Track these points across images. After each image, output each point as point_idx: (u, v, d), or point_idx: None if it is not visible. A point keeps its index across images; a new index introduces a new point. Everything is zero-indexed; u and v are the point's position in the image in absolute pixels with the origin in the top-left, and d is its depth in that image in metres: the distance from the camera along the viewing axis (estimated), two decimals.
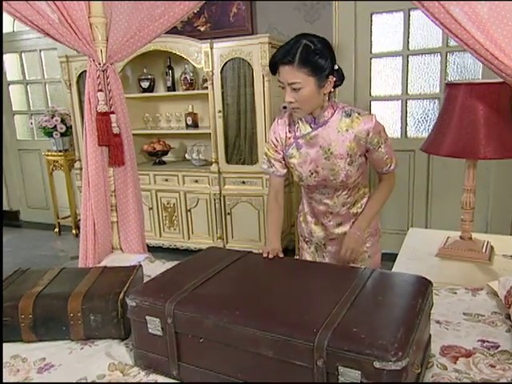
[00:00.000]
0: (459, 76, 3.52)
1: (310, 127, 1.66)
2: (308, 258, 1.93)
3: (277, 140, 1.72)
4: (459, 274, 1.87)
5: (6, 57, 5.22)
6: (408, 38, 3.58)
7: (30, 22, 1.78)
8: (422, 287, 1.21)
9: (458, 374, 1.18)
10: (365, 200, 1.85)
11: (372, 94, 3.78)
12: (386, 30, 3.66)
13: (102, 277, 1.63)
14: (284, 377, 1.05)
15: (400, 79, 3.67)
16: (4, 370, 1.34)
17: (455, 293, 1.65)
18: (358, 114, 1.62)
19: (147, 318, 1.24)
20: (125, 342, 1.45)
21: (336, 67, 1.56)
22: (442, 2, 1.56)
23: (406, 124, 3.73)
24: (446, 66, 3.53)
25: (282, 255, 1.56)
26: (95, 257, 2.14)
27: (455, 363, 1.23)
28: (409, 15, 3.51)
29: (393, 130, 3.79)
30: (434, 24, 1.65)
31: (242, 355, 1.10)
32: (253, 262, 1.48)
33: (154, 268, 1.96)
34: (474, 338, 1.34)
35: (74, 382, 1.22)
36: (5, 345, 1.46)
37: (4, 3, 1.75)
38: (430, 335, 1.27)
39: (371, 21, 3.66)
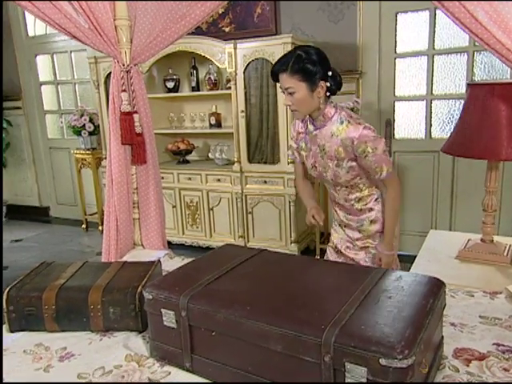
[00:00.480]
0: (486, 76, 3.45)
1: (313, 127, 1.84)
2: (333, 234, 2.08)
3: (294, 131, 1.97)
4: (478, 277, 1.85)
5: (38, 58, 5.41)
6: (433, 37, 3.53)
7: (57, 25, 1.86)
8: (435, 288, 1.21)
9: (470, 376, 1.18)
10: (372, 199, 1.90)
11: (396, 95, 3.74)
12: (410, 29, 3.62)
13: (121, 271, 1.68)
14: (292, 371, 1.07)
15: (425, 79, 3.62)
16: (28, 356, 1.40)
17: (472, 295, 1.63)
18: (349, 122, 1.74)
19: (162, 310, 1.28)
20: (142, 335, 1.49)
21: (330, 73, 1.72)
22: (462, 2, 1.54)
23: (431, 125, 3.68)
24: (473, 66, 3.46)
25: (323, 215, 1.93)
26: (117, 252, 2.21)
27: (468, 366, 1.22)
28: (434, 14, 3.46)
29: (417, 131, 3.74)
30: (455, 24, 1.63)
31: (252, 349, 1.13)
32: (267, 260, 1.50)
33: (174, 264, 2.01)
34: (489, 341, 1.33)
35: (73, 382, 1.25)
36: (29, 333, 1.53)
37: (35, 8, 1.82)
38: (443, 337, 1.27)
39: (396, 20, 3.62)
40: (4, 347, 1.45)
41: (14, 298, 1.52)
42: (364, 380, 0.97)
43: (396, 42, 3.66)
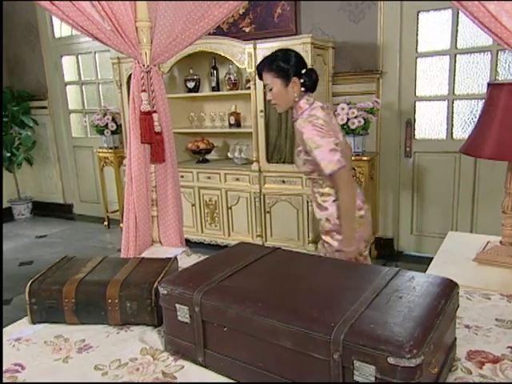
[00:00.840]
0: (511, 75, 3.38)
1: (292, 119, 2.07)
2: None
3: None
4: (496, 280, 1.82)
5: (64, 59, 5.55)
6: (456, 36, 3.48)
7: (80, 27, 1.91)
8: (447, 289, 1.20)
9: (482, 379, 1.17)
10: (330, 199, 2.00)
11: (417, 94, 3.70)
12: (432, 28, 3.57)
13: (139, 267, 1.73)
14: (302, 368, 1.09)
15: (447, 79, 3.57)
16: (48, 347, 1.45)
17: (489, 298, 1.61)
18: (305, 119, 1.90)
19: (177, 305, 1.31)
20: (157, 329, 1.53)
21: (303, 71, 1.93)
22: (481, 2, 1.53)
23: (452, 125, 3.63)
24: (497, 65, 3.40)
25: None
26: (136, 249, 2.25)
27: (481, 368, 1.21)
28: (457, 12, 3.40)
29: (438, 131, 3.70)
30: (474, 23, 1.62)
31: (262, 345, 1.14)
32: (281, 258, 1.51)
33: (190, 261, 2.04)
34: (505, 344, 1.31)
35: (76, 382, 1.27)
36: (49, 325, 1.59)
37: (59, 11, 1.88)
38: (455, 338, 1.26)
39: (417, 19, 3.58)
40: (26, 338, 1.51)
41: (35, 291, 1.58)
42: (372, 378, 0.97)
43: (417, 41, 3.62)
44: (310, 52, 3.39)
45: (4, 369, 1.33)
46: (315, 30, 3.90)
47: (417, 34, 3.62)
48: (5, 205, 5.85)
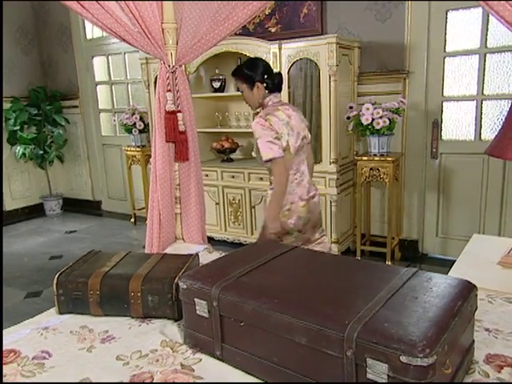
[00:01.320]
0: None
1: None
2: None
3: None
4: None
5: (95, 59, 5.69)
6: (486, 35, 3.40)
7: (109, 29, 1.98)
8: (465, 290, 1.19)
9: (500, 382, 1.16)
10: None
11: (444, 95, 3.63)
12: (461, 27, 3.50)
13: (161, 262, 1.77)
14: (316, 364, 1.10)
15: (475, 78, 3.49)
16: (73, 337, 1.52)
17: (511, 302, 1.58)
18: (260, 115, 2.22)
19: (196, 300, 1.34)
20: (178, 323, 1.57)
21: (265, 76, 2.25)
22: (508, 1, 1.50)
23: (481, 126, 3.55)
24: None
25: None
26: (159, 245, 2.31)
27: (499, 372, 1.20)
28: None
29: (465, 132, 3.63)
30: (500, 22, 1.59)
31: (278, 340, 1.17)
32: (299, 256, 1.53)
33: (211, 258, 2.07)
34: None
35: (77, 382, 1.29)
36: (75, 316, 1.65)
37: (89, 14, 1.95)
38: (473, 341, 1.25)
39: (446, 18, 3.52)
40: (53, 327, 1.58)
41: (63, 283, 1.65)
42: (385, 376, 0.98)
43: (446, 40, 3.56)
44: (334, 52, 3.38)
45: (32, 355, 1.40)
46: (341, 30, 3.88)
47: (445, 33, 3.55)
48: (37, 201, 6.06)
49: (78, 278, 1.66)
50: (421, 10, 3.55)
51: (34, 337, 1.52)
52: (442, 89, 3.63)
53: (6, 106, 5.54)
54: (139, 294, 1.60)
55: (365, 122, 3.40)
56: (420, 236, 3.93)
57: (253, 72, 2.25)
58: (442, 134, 3.71)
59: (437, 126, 3.66)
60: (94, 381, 1.26)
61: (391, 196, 3.59)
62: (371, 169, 3.53)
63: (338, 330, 1.04)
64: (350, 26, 3.87)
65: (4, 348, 1.45)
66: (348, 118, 3.61)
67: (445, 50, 3.57)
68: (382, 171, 3.49)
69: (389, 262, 3.60)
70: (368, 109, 3.40)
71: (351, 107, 3.62)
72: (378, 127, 3.39)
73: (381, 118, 3.38)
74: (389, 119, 3.39)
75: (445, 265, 2.08)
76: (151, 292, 1.59)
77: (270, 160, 2.18)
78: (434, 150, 3.70)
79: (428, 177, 3.81)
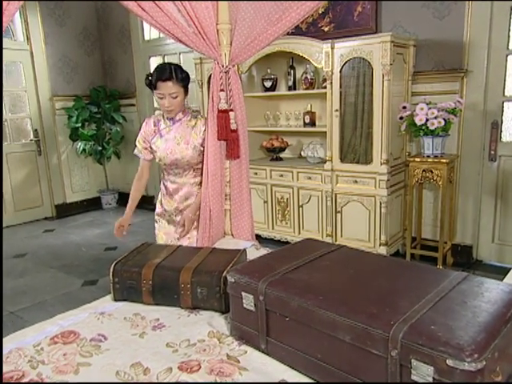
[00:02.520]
0: None
1: (170, 122, 2.37)
2: (162, 232, 2.58)
3: (146, 133, 2.42)
4: None
5: (152, 59, 5.91)
6: None
7: (167, 30, 2.06)
8: None
9: None
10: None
11: (506, 94, 3.47)
12: None
13: (210, 256, 1.83)
14: (359, 362, 1.11)
15: None
16: (127, 323, 1.60)
17: None
18: (201, 116, 2.39)
19: (243, 293, 1.38)
20: (225, 316, 1.61)
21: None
22: None
23: None
24: None
25: (127, 224, 2.58)
26: (209, 240, 2.37)
27: None
28: None
29: None
30: None
31: (322, 337, 1.18)
32: (346, 255, 1.53)
33: (259, 255, 2.10)
34: None
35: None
36: (129, 304, 1.74)
37: (149, 17, 2.04)
38: None
39: (510, 15, 3.36)
40: (108, 313, 1.68)
41: (118, 272, 1.75)
42: (430, 379, 0.97)
43: (509, 37, 3.40)
44: (389, 50, 3.32)
45: (90, 337, 1.49)
46: (396, 28, 3.80)
47: (509, 30, 3.39)
48: (94, 195, 6.38)
49: (133, 268, 1.75)
50: (483, 7, 3.40)
51: (92, 321, 1.62)
52: (504, 88, 3.47)
53: (69, 104, 5.88)
54: (189, 286, 1.66)
55: (418, 123, 3.32)
56: (474, 241, 3.78)
57: (188, 77, 2.29)
58: (502, 135, 3.55)
59: (496, 127, 3.50)
60: (145, 365, 1.33)
61: (444, 199, 3.48)
62: (424, 170, 3.44)
63: (383, 330, 1.05)
64: (405, 24, 3.78)
65: (64, 329, 1.56)
66: (401, 118, 3.53)
67: (508, 48, 3.41)
68: (436, 173, 3.39)
69: (440, 267, 3.48)
70: (422, 109, 3.31)
71: (404, 107, 3.54)
72: (432, 128, 3.30)
73: (436, 118, 3.28)
74: (444, 120, 3.28)
75: (501, 272, 1.99)
76: (200, 284, 1.65)
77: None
78: (493, 152, 3.54)
79: (485, 180, 3.65)
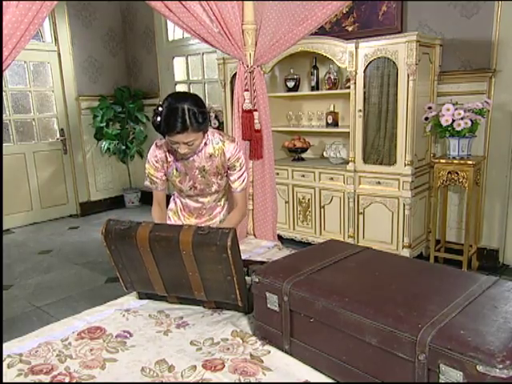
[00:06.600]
0: None
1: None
2: None
3: (157, 162, 2.09)
4: None
5: (175, 60, 5.97)
6: None
7: (193, 31, 2.08)
8: None
9: None
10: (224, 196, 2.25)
11: None
12: None
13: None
14: (386, 365, 1.10)
15: None
16: (152, 320, 1.62)
17: None
18: (224, 142, 2.03)
19: (267, 294, 1.38)
20: (248, 316, 1.62)
21: (208, 115, 1.93)
22: None
23: None
24: None
25: None
26: None
27: None
28: None
29: None
30: None
31: (347, 339, 1.17)
32: (371, 257, 1.52)
33: (281, 255, 2.11)
34: None
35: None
36: (153, 302, 1.77)
37: (175, 17, 2.06)
38: None
39: None
40: (133, 310, 1.70)
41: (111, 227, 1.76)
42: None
43: None
44: (414, 50, 3.27)
45: (115, 333, 1.52)
46: (422, 27, 3.74)
47: None
48: (118, 193, 6.47)
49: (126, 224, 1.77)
50: None
51: (117, 317, 1.65)
52: None
53: (94, 103, 5.98)
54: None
55: (444, 124, 3.26)
56: (501, 245, 3.69)
57: (204, 115, 1.85)
58: None
59: None
60: (169, 362, 1.35)
61: (470, 201, 3.41)
62: (449, 172, 3.37)
63: (411, 333, 1.03)
64: (431, 23, 3.72)
65: (91, 325, 1.59)
66: (426, 118, 3.47)
67: None
68: (462, 175, 3.32)
69: (466, 271, 3.42)
70: (448, 109, 3.25)
71: (430, 107, 3.48)
72: (458, 129, 3.23)
73: (462, 119, 3.21)
74: (471, 120, 3.22)
75: None
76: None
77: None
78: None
79: None
